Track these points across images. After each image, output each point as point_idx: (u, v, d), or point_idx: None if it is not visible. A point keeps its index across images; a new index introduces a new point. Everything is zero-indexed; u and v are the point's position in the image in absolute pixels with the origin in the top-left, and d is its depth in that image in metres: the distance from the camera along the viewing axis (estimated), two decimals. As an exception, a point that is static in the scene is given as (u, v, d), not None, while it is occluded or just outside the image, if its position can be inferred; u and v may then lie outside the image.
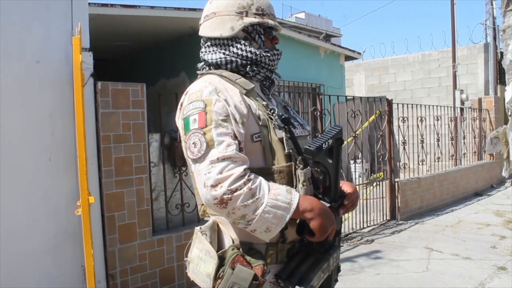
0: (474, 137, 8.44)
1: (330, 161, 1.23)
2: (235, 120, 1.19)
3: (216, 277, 1.19)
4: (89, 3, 3.31)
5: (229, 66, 1.32)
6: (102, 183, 2.99)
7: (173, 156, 3.61)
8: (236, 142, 1.16)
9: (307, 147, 1.17)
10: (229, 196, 1.09)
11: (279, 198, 1.13)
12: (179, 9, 6.14)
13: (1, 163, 2.58)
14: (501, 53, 9.23)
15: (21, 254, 2.67)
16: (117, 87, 3.09)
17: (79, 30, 2.54)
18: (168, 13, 6.07)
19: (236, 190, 1.09)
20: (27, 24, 2.70)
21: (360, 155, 5.77)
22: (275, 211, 1.12)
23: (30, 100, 2.72)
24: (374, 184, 5.89)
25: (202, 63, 1.40)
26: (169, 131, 3.68)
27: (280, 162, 1.23)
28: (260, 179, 1.14)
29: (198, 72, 1.39)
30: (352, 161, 6.12)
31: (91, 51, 2.93)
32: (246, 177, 1.11)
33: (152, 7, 5.93)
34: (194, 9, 6.20)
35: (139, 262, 3.20)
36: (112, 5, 5.61)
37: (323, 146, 1.19)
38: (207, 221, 1.35)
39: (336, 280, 1.38)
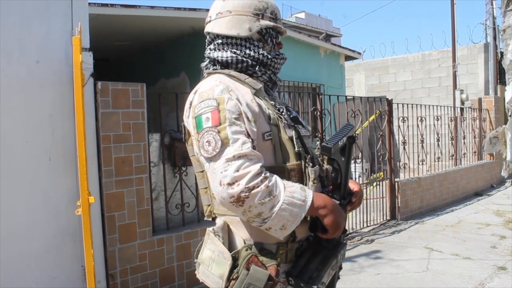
0: (474, 137, 8.43)
1: (343, 159, 1.27)
2: (248, 118, 1.19)
3: (230, 278, 1.18)
4: (89, 3, 3.31)
5: (239, 65, 1.33)
6: (102, 183, 2.99)
7: (173, 156, 3.61)
8: (250, 140, 1.16)
9: (325, 144, 1.21)
10: (247, 194, 1.08)
11: (295, 196, 1.13)
12: (179, 9, 6.14)
13: (1, 163, 2.58)
14: (501, 53, 9.24)
15: (21, 254, 2.67)
16: (117, 87, 3.09)
17: (79, 30, 2.54)
18: (168, 13, 6.07)
19: (254, 187, 1.08)
20: (27, 24, 2.70)
21: (360, 155, 5.77)
22: (291, 208, 1.12)
23: (30, 100, 2.72)
24: (374, 184, 5.89)
25: (206, 61, 1.39)
26: (169, 131, 3.68)
27: (290, 161, 1.24)
28: (275, 177, 1.15)
29: (206, 71, 1.38)
30: (352, 161, 6.11)
31: (91, 51, 2.93)
32: (263, 174, 1.11)
33: (152, 7, 5.93)
34: (194, 9, 6.20)
35: (139, 262, 3.20)
36: (112, 5, 5.62)
37: (339, 143, 1.23)
38: (209, 221, 1.34)
39: (338, 277, 1.40)
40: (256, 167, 1.11)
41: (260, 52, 1.33)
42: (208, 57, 1.38)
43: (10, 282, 2.59)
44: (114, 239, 3.06)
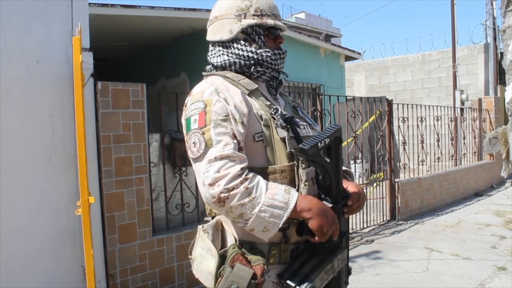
0: (474, 137, 8.43)
1: (328, 161, 1.21)
2: (235, 119, 1.20)
3: (217, 275, 1.20)
4: (89, 3, 3.31)
5: (232, 67, 1.34)
6: (102, 183, 2.99)
7: (173, 156, 3.61)
8: (235, 141, 1.17)
9: (301, 146, 1.16)
10: (226, 194, 1.10)
11: (276, 198, 1.13)
12: (179, 9, 6.14)
13: (1, 163, 2.58)
14: (501, 53, 9.24)
15: (21, 254, 2.67)
16: (117, 87, 3.09)
17: (79, 30, 2.54)
18: (168, 13, 6.06)
19: (233, 188, 1.10)
20: (27, 24, 2.70)
21: (360, 155, 5.77)
22: (272, 210, 1.12)
23: (30, 100, 2.72)
24: (375, 185, 5.89)
25: (210, 65, 1.43)
26: (169, 131, 3.68)
27: (282, 162, 1.23)
28: (258, 178, 1.15)
29: (203, 73, 1.41)
30: (352, 161, 6.12)
31: (91, 51, 2.93)
32: (243, 176, 1.12)
33: (152, 7, 5.93)
34: (194, 9, 6.19)
35: (139, 262, 3.20)
36: (112, 5, 5.61)
37: (319, 145, 1.17)
38: (208, 220, 1.35)
39: (347, 283, 1.36)
40: (237, 168, 1.12)
41: (248, 49, 1.33)
42: (210, 62, 1.43)
43: (10, 282, 2.59)
44: (114, 239, 3.06)
